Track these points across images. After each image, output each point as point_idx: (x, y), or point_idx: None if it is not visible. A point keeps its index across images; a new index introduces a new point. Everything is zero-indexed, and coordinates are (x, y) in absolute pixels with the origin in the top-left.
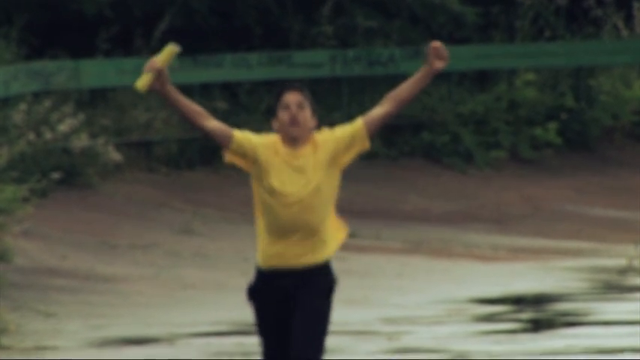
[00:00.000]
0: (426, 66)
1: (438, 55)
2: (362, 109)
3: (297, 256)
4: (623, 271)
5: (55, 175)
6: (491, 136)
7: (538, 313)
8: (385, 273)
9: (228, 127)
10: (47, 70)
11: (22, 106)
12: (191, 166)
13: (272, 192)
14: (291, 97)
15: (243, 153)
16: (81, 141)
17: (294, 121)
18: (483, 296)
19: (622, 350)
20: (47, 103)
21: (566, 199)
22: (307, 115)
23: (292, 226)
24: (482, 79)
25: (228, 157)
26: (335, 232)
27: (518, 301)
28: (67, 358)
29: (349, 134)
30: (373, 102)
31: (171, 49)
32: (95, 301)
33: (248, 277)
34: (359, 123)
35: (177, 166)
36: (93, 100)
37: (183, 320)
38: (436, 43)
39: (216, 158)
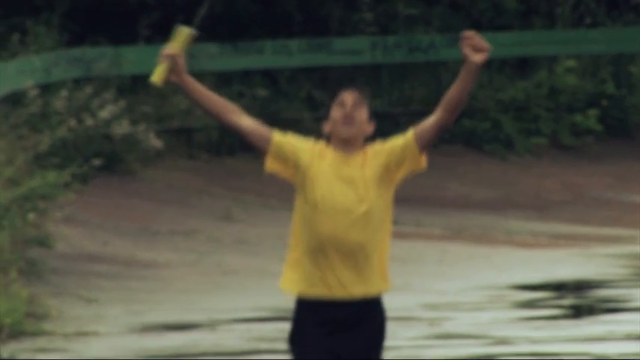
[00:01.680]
0: (465, 63)
1: (474, 46)
2: (402, 96)
3: (344, 284)
4: None
5: (96, 162)
6: (532, 122)
7: (579, 300)
8: (426, 259)
9: (266, 126)
10: (88, 57)
11: (63, 93)
12: (231, 153)
13: (315, 204)
14: (349, 96)
15: (285, 158)
16: (122, 128)
17: (347, 119)
18: (524, 283)
19: None
20: (88, 89)
21: (606, 186)
22: (363, 117)
23: (337, 245)
24: (523, 65)
25: (269, 165)
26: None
27: (559, 288)
28: (108, 343)
29: (400, 147)
30: (413, 89)
31: (184, 33)
32: (136, 286)
33: None
34: (409, 135)
35: (218, 152)
36: (134, 86)
37: (223, 306)
38: (468, 33)
39: None
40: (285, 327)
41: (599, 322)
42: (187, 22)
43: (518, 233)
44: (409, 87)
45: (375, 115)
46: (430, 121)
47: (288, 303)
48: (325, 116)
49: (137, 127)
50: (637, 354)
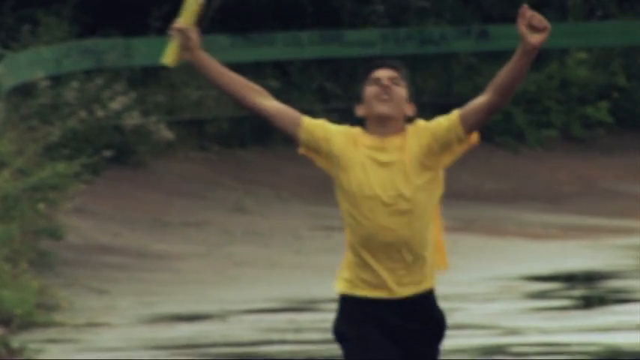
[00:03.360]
0: (521, 43)
1: (532, 24)
2: (413, 88)
3: (393, 284)
4: None
5: (107, 153)
6: (543, 114)
7: (589, 291)
8: None
9: (295, 110)
10: (99, 48)
11: (74, 84)
12: (243, 144)
13: (352, 196)
14: (384, 72)
15: (316, 144)
16: (133, 119)
17: (385, 93)
18: (535, 274)
19: None
20: (99, 81)
21: (617, 178)
22: (402, 93)
23: (380, 243)
24: (535, 57)
25: (303, 151)
26: (436, 259)
27: (570, 279)
28: (119, 334)
29: (445, 128)
30: (425, 81)
31: (192, 3)
32: (147, 278)
33: (300, 255)
34: (454, 116)
35: (229, 144)
36: (145, 78)
37: (235, 297)
38: (525, 10)
39: (268, 136)
40: (297, 318)
41: (610, 312)
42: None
43: (529, 225)
44: (420, 79)
45: None
46: (479, 103)
47: (299, 294)
48: (358, 99)
49: (148, 119)
50: None
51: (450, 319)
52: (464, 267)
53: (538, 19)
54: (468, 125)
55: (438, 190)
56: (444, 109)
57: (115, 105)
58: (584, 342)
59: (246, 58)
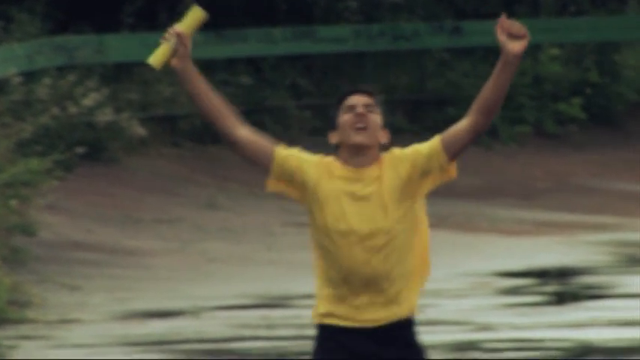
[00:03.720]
0: (502, 54)
1: (511, 33)
2: (386, 84)
3: (370, 315)
4: None
5: (80, 150)
6: (516, 111)
7: (562, 286)
8: None
9: (267, 139)
10: (72, 45)
11: (47, 81)
12: (216, 141)
13: (326, 230)
14: (359, 99)
15: (290, 176)
16: (105, 115)
17: (360, 122)
18: (508, 270)
19: None
20: (72, 77)
21: (590, 174)
22: (377, 120)
23: (357, 278)
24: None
25: (272, 185)
26: (421, 270)
27: (543, 275)
28: (91, 330)
29: (425, 156)
30: (397, 77)
31: (196, 13)
32: (120, 274)
33: (273, 252)
34: (435, 143)
35: (202, 140)
36: (117, 74)
37: (207, 293)
38: (503, 19)
39: None
40: (269, 314)
41: (583, 308)
42: (172, 9)
43: (502, 221)
44: (393, 75)
45: None
46: (462, 127)
47: (272, 290)
48: (331, 125)
49: (121, 115)
50: (620, 340)
51: (422, 316)
52: (436, 263)
53: (517, 27)
54: (452, 152)
55: (416, 215)
56: (417, 106)
57: (88, 101)
58: (556, 338)
59: (219, 55)
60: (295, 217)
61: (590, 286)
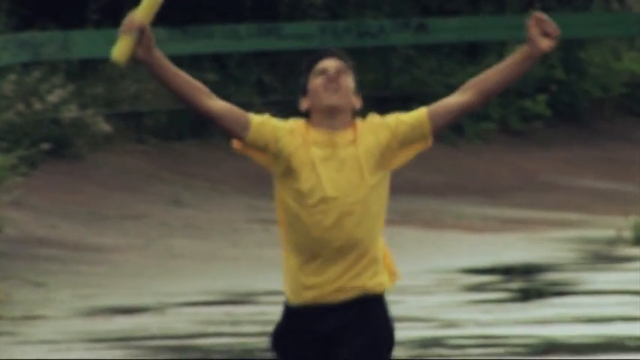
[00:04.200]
0: (527, 46)
1: (544, 29)
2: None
3: (339, 289)
4: (612, 242)
5: (45, 146)
6: (481, 107)
7: (527, 283)
8: None
9: (241, 110)
10: (37, 41)
11: (12, 77)
12: (181, 138)
13: (300, 196)
14: (330, 62)
15: (264, 145)
16: (70, 112)
17: (331, 84)
18: (473, 266)
19: (611, 319)
20: (37, 73)
21: (555, 171)
22: (350, 84)
23: (330, 246)
24: (472, 51)
25: (240, 148)
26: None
27: (508, 271)
28: (56, 327)
29: (410, 126)
30: (363, 74)
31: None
32: (84, 270)
33: (237, 248)
34: (422, 114)
35: (167, 137)
36: (82, 70)
37: (172, 290)
38: (539, 14)
39: (206, 129)
40: (234, 310)
41: (548, 305)
42: (137, 5)
43: (467, 218)
44: (358, 72)
45: None
46: (454, 101)
47: (237, 287)
48: (302, 91)
49: (86, 112)
50: (585, 336)
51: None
52: (402, 260)
53: (552, 26)
54: (439, 124)
55: (387, 185)
56: (383, 102)
57: (53, 98)
58: (521, 334)
59: (184, 51)
60: (260, 213)
61: (555, 283)
